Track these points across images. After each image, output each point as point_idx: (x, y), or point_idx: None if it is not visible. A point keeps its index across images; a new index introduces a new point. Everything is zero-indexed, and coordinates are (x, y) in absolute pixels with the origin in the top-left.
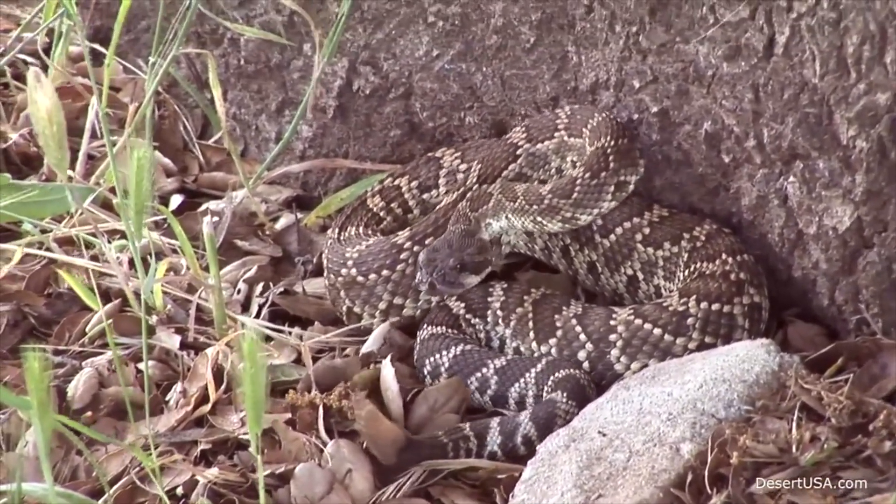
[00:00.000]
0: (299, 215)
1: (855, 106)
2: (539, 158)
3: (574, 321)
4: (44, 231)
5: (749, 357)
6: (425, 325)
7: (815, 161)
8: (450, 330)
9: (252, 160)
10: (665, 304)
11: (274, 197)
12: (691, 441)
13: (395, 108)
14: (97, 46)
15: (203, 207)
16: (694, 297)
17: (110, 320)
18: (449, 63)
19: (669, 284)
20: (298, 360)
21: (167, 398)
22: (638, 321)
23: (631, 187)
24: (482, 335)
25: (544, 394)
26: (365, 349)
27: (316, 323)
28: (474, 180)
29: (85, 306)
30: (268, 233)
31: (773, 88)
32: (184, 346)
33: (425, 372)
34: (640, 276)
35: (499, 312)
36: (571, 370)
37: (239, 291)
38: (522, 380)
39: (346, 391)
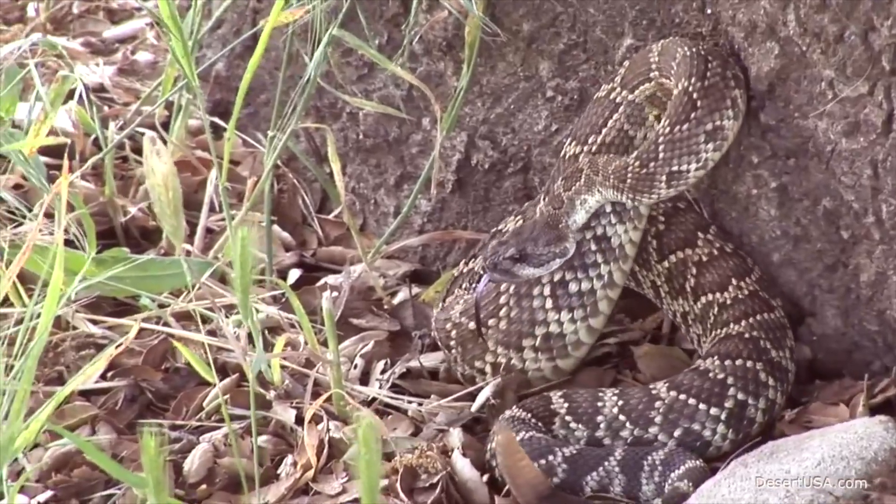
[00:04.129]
0: (417, 290)
1: None
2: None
3: None
4: (161, 305)
5: (867, 434)
6: (514, 407)
7: None
8: (533, 419)
9: (370, 234)
10: None
11: (392, 271)
12: None
13: (513, 183)
14: (216, 120)
15: (321, 282)
16: None
17: (226, 396)
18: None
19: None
20: (416, 433)
21: (279, 471)
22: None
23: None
24: (583, 441)
25: (643, 479)
26: (473, 409)
27: (432, 395)
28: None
29: (202, 381)
30: (385, 307)
31: (891, 164)
32: (299, 420)
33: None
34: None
35: (621, 417)
36: (668, 449)
37: (356, 367)
38: (601, 468)
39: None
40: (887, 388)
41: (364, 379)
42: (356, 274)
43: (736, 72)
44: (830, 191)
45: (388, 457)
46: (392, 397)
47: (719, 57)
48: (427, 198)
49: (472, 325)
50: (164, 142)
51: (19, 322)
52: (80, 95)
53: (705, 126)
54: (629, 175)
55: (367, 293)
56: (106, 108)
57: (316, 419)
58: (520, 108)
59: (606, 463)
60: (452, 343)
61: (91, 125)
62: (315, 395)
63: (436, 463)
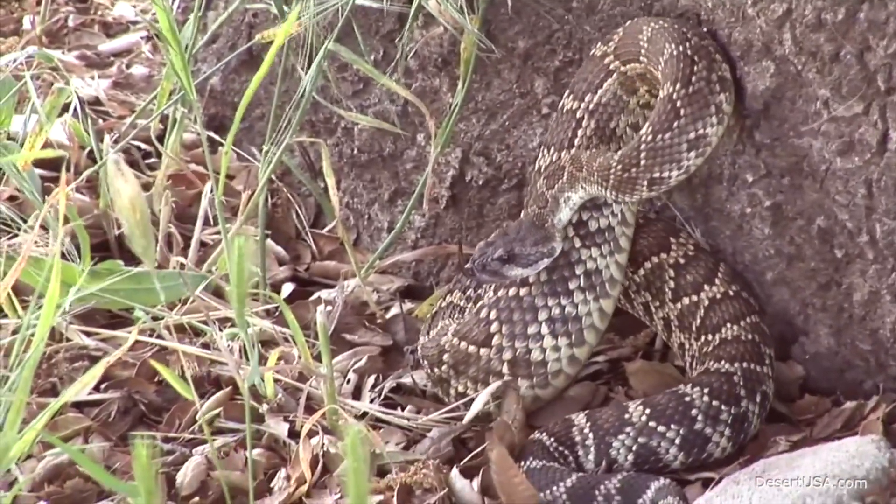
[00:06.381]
0: (411, 305)
1: None
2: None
3: None
4: (155, 318)
5: (859, 453)
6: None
7: None
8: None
9: (364, 249)
10: None
11: (385, 286)
12: None
13: (507, 199)
14: (212, 134)
15: (315, 296)
16: None
17: (219, 408)
18: None
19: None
20: (408, 447)
21: (272, 484)
22: None
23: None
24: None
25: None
26: (472, 411)
27: (423, 410)
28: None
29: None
30: (379, 322)
31: (886, 184)
32: (292, 434)
33: None
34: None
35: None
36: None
37: (348, 381)
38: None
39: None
40: (878, 408)
41: (356, 394)
42: (350, 289)
43: (723, 73)
44: (824, 210)
45: (383, 472)
46: (384, 412)
47: (706, 57)
48: (421, 213)
49: (463, 345)
50: (160, 155)
51: (14, 333)
52: (76, 108)
53: (688, 135)
54: (611, 176)
55: (361, 308)
56: (101, 121)
57: (310, 433)
58: (515, 125)
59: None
60: (445, 366)
61: (86, 138)
62: (307, 410)
63: (432, 480)
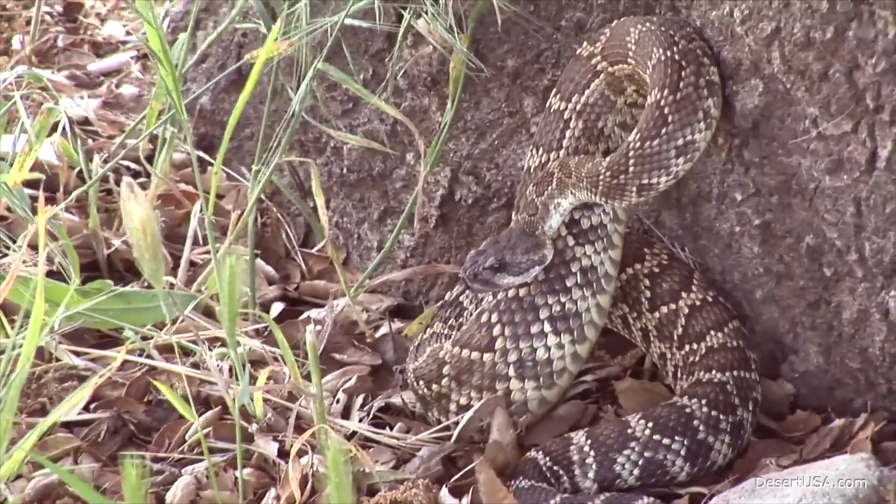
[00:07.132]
0: (400, 324)
1: None
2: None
3: None
4: (144, 338)
5: (849, 471)
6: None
7: None
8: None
9: (354, 269)
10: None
11: (375, 306)
12: None
13: (497, 218)
14: (201, 153)
15: (304, 316)
16: None
17: (208, 428)
18: None
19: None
20: (397, 466)
21: None
22: None
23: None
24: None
25: None
26: (459, 427)
27: (411, 430)
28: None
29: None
30: (368, 341)
31: (875, 202)
32: (282, 453)
33: None
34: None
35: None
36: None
37: (338, 401)
38: None
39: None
40: (867, 426)
41: (346, 413)
42: (339, 308)
43: (710, 77)
44: (814, 228)
45: (372, 491)
46: (373, 431)
47: (694, 61)
48: (410, 232)
49: (465, 353)
50: (149, 175)
51: (1, 352)
52: (65, 128)
53: (676, 141)
54: (601, 182)
55: (350, 327)
56: (90, 140)
57: (300, 453)
58: (504, 144)
59: None
60: (446, 379)
61: (75, 158)
62: (297, 429)
63: (422, 499)
